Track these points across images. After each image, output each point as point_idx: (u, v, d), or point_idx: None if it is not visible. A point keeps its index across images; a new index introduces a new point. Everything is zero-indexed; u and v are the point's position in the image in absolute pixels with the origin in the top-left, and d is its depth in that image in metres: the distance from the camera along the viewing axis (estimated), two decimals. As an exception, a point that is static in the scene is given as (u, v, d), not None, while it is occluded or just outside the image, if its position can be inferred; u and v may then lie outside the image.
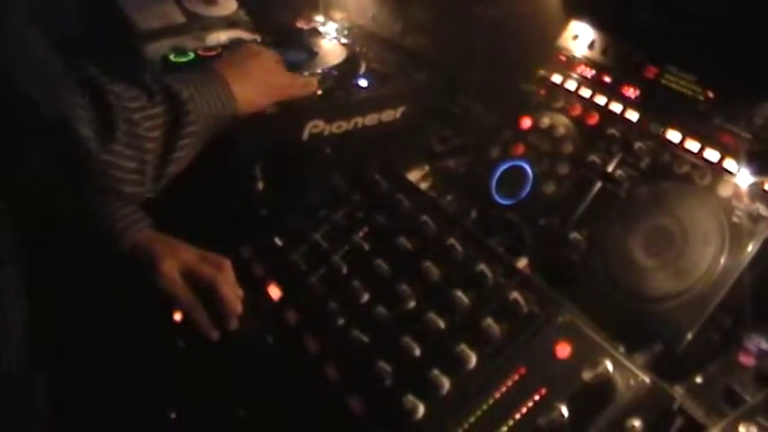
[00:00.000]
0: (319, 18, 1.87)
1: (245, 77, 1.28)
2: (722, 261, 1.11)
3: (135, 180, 1.04)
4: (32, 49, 0.93)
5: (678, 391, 1.03)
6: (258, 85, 1.31)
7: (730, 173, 1.16)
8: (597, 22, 1.43)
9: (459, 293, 1.07)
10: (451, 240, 1.13)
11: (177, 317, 1.21)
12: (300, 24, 1.82)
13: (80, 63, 1.01)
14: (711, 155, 1.19)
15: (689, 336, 1.09)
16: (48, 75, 0.93)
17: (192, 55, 1.52)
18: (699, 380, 1.08)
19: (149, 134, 1.05)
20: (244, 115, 1.28)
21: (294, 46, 1.61)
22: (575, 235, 1.26)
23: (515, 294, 1.03)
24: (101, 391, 1.40)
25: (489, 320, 1.02)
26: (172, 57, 1.51)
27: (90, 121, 0.95)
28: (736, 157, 1.17)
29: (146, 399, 1.38)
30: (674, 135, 1.25)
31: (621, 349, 0.99)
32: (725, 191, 1.15)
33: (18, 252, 1.08)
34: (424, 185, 1.49)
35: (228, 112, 1.23)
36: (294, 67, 1.47)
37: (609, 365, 0.92)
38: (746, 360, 1.09)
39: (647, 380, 0.91)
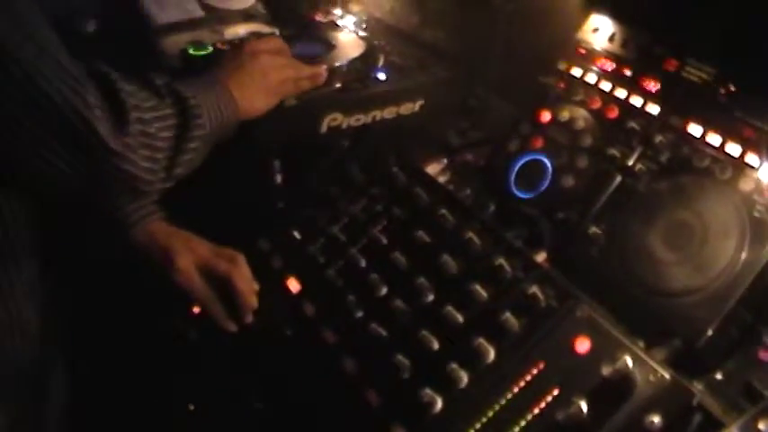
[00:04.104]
0: (337, 11, 1.86)
1: (246, 83, 1.25)
2: (743, 256, 1.10)
3: (147, 177, 1.04)
4: (51, 50, 0.92)
5: (697, 386, 1.03)
6: (261, 87, 1.28)
7: (752, 167, 1.15)
8: (617, 15, 1.42)
9: (478, 287, 1.07)
10: (470, 234, 1.13)
11: (195, 310, 1.22)
12: (318, 17, 1.82)
13: (94, 62, 1.01)
14: (733, 149, 1.18)
15: (709, 331, 1.09)
16: (66, 74, 0.93)
17: (210, 48, 1.52)
18: (718, 376, 1.08)
19: (160, 134, 1.05)
20: (253, 119, 1.27)
21: (311, 39, 1.60)
22: (594, 229, 1.25)
23: (534, 288, 1.03)
24: (117, 385, 1.42)
25: (508, 314, 1.02)
26: (190, 50, 1.51)
27: (104, 117, 0.96)
28: (758, 150, 1.15)
29: (164, 391, 1.39)
30: (695, 129, 1.24)
31: (641, 344, 0.99)
32: (746, 185, 1.14)
33: (33, 251, 1.09)
34: (442, 179, 1.48)
35: (232, 121, 1.21)
36: (311, 61, 1.46)
37: (628, 361, 0.91)
38: (766, 356, 1.09)
39: (667, 375, 0.90)
